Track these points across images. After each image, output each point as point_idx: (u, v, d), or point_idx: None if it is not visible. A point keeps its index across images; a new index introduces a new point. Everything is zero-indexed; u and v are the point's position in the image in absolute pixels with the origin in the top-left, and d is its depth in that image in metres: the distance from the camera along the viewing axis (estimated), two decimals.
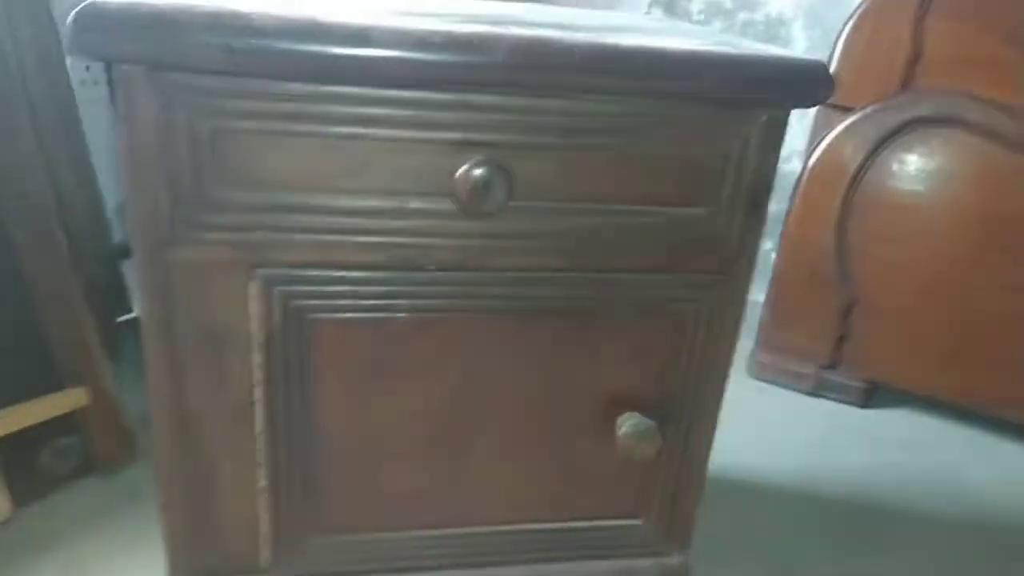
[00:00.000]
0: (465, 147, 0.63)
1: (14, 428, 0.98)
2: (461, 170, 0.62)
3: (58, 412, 1.01)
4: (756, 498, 1.20)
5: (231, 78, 0.58)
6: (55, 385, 1.04)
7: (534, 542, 0.81)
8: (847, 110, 1.41)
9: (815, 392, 1.50)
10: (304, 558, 0.76)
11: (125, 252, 1.47)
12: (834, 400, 1.49)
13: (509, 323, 0.71)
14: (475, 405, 0.74)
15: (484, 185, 0.62)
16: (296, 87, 0.59)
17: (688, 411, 0.78)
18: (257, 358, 0.67)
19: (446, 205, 0.64)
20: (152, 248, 0.62)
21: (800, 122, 1.60)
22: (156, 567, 0.95)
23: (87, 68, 1.50)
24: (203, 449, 0.70)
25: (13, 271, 1.01)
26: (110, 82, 0.59)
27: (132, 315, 1.51)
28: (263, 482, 0.72)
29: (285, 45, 0.56)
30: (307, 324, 0.67)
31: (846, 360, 1.47)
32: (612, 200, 0.67)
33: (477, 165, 0.62)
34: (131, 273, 1.51)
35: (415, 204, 0.64)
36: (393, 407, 0.72)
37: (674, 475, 0.81)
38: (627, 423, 0.74)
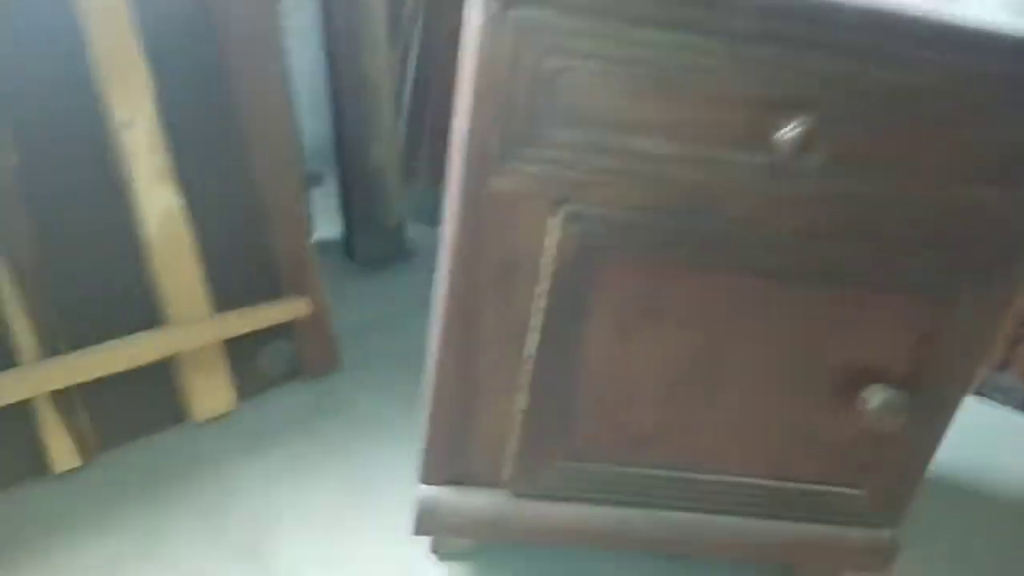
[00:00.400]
0: (791, 106, 0.64)
1: (244, 330, 1.06)
2: (785, 128, 0.63)
3: (282, 319, 1.09)
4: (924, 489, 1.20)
5: (585, 18, 0.60)
6: (276, 294, 1.12)
7: (756, 496, 0.83)
8: None
9: (978, 392, 1.47)
10: (545, 479, 0.80)
11: (314, 180, 1.55)
12: (997, 402, 1.46)
13: (778, 283, 0.72)
14: (727, 357, 0.76)
15: (806, 144, 0.63)
16: (642, 32, 0.61)
17: (937, 391, 0.78)
18: (542, 288, 0.71)
19: (758, 160, 0.66)
20: (476, 177, 0.66)
21: None
22: (363, 472, 1.02)
23: None
24: (476, 367, 0.74)
25: (250, 187, 1.08)
26: None
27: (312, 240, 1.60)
28: (522, 404, 0.76)
29: None
30: (595, 260, 0.70)
31: (1018, 363, 1.43)
32: (910, 173, 0.67)
33: (802, 124, 0.63)
34: (316, 200, 1.58)
35: (728, 155, 0.65)
36: (652, 349, 0.75)
37: (905, 452, 0.81)
38: (879, 395, 0.75)
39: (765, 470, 0.83)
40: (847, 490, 0.84)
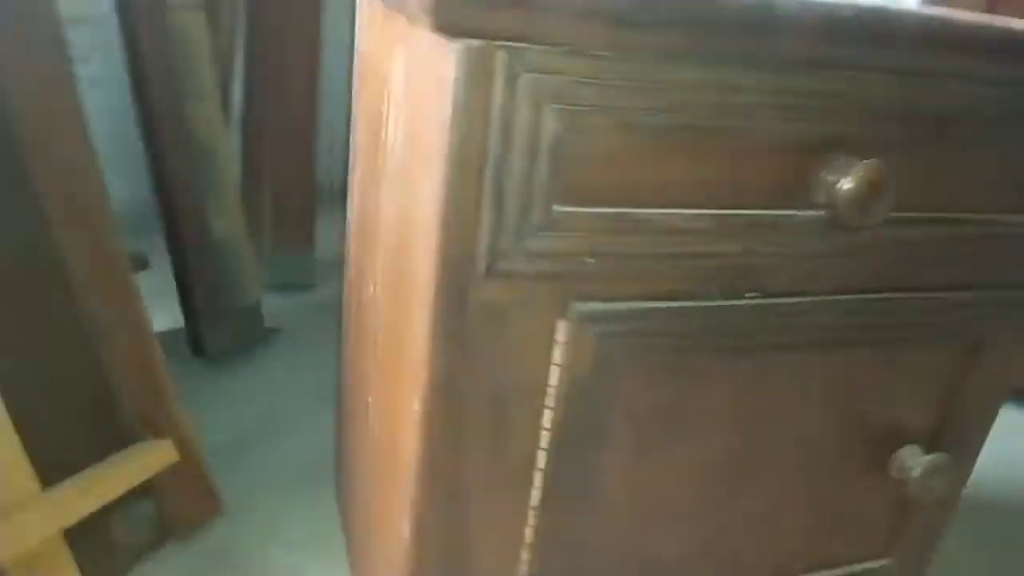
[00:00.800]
0: (847, 149, 0.51)
1: (91, 509, 0.76)
2: (844, 175, 0.50)
3: (142, 477, 0.81)
4: None
5: (599, 58, 0.43)
6: (125, 438, 0.83)
7: None
8: None
9: None
10: None
11: (138, 264, 1.24)
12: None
13: (811, 355, 0.60)
14: (755, 451, 0.62)
15: (874, 193, 0.50)
16: (669, 72, 0.45)
17: (961, 441, 0.70)
18: (549, 417, 0.53)
19: (808, 218, 0.52)
20: (457, 287, 0.47)
21: None
22: None
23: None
24: (465, 526, 0.55)
25: (65, 300, 0.79)
26: None
27: None
28: (525, 568, 0.58)
29: (686, 14, 0.43)
30: (615, 369, 0.53)
31: None
32: (964, 209, 0.57)
33: (865, 169, 0.50)
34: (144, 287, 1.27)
35: (773, 216, 0.52)
36: (677, 458, 0.60)
37: (932, 507, 0.73)
38: (919, 461, 0.65)
39: (799, 564, 0.70)
40: (877, 562, 0.74)
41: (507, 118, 0.43)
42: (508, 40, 0.41)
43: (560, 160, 0.45)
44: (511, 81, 0.42)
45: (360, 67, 0.72)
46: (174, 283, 1.26)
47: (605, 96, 0.45)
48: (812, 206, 0.52)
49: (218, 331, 1.25)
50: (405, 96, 0.53)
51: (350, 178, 0.78)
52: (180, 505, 0.89)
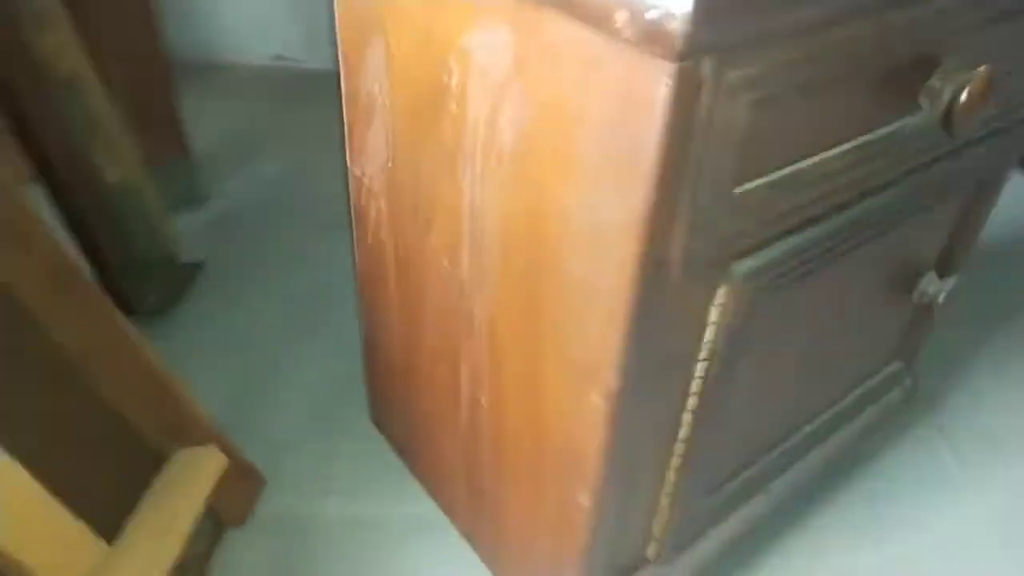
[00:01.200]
0: (950, 46, 0.51)
1: (183, 537, 0.70)
2: (954, 83, 0.51)
3: (208, 489, 0.75)
4: None
5: (784, 43, 0.40)
6: (159, 455, 0.76)
7: (837, 416, 0.82)
8: None
9: None
10: (689, 531, 0.70)
11: None
12: None
13: (887, 233, 0.64)
14: (836, 326, 0.69)
15: (985, 100, 0.51)
16: (838, 31, 0.42)
17: (963, 257, 0.79)
18: (701, 367, 0.55)
19: (924, 120, 0.53)
20: (653, 291, 0.45)
21: None
22: None
23: None
24: (631, 478, 0.58)
25: (41, 344, 0.67)
26: None
27: None
28: (671, 485, 0.63)
29: None
30: (758, 312, 0.55)
31: None
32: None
33: (976, 79, 0.50)
34: None
35: (895, 128, 0.53)
36: (783, 361, 0.65)
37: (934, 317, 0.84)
38: (937, 287, 0.74)
39: (841, 393, 0.81)
40: (889, 368, 0.86)
41: (711, 122, 0.39)
42: (724, 49, 0.37)
43: (747, 147, 0.43)
44: (716, 86, 0.38)
45: None
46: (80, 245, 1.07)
47: (786, 75, 0.42)
48: (920, 110, 0.53)
49: (143, 286, 1.10)
50: (523, 93, 0.46)
51: (359, 124, 0.68)
52: (229, 495, 0.84)
